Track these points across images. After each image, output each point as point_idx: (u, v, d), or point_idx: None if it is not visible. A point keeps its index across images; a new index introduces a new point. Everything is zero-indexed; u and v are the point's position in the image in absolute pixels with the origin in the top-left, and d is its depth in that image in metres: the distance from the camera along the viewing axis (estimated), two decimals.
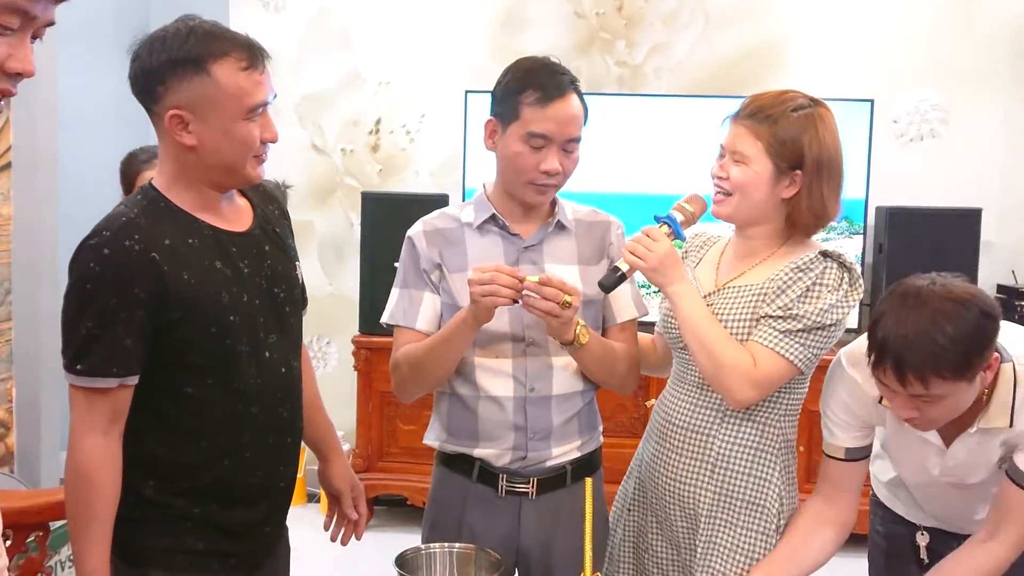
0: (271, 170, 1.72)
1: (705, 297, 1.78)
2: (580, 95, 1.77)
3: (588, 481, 1.56)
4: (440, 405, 1.87)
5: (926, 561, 1.88)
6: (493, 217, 1.82)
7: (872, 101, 3.84)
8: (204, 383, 1.56)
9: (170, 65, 1.48)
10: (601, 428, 1.91)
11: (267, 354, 1.61)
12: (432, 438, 1.89)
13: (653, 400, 3.82)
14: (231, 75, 1.48)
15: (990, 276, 3.96)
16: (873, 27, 4.06)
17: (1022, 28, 4.01)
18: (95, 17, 4.23)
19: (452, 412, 1.84)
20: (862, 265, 3.86)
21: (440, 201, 3.86)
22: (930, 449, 1.72)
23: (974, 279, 3.74)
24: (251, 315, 1.59)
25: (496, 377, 1.78)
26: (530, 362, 1.78)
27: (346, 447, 4.06)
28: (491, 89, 1.84)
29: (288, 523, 1.80)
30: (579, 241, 1.85)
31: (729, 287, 1.78)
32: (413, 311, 1.82)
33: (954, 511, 1.86)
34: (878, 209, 3.88)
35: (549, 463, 1.79)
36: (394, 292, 1.88)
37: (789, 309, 1.68)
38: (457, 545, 1.55)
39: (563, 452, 1.81)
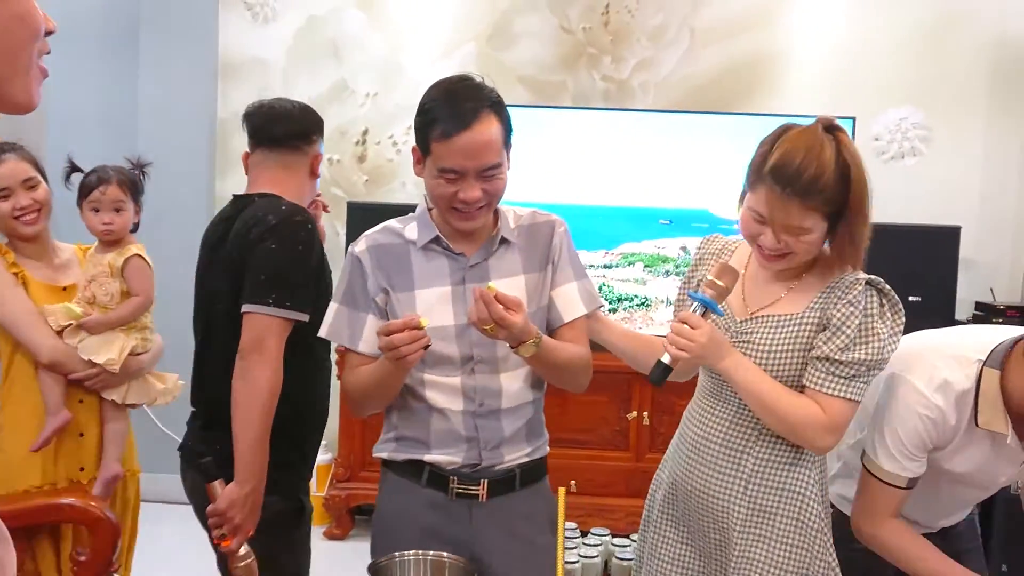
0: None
1: (740, 323, 1.78)
2: (498, 114, 1.72)
3: (562, 491, 1.57)
4: (390, 416, 1.86)
5: None
6: (436, 238, 1.81)
7: (854, 119, 3.88)
8: (305, 355, 2.02)
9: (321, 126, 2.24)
10: (547, 437, 1.91)
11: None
12: (382, 451, 1.86)
13: (635, 413, 3.86)
14: None
15: (969, 294, 4.01)
16: (855, 45, 4.12)
17: (1002, 48, 4.07)
18: (82, 19, 4.24)
19: (402, 423, 1.83)
20: None
21: None
22: (1003, 457, 1.78)
23: (953, 296, 3.79)
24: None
25: (446, 392, 1.78)
26: (479, 379, 1.77)
27: (328, 456, 4.07)
28: None
29: None
30: (523, 251, 1.83)
31: (763, 316, 1.77)
32: (357, 333, 1.79)
33: (942, 510, 1.95)
34: None
35: (499, 467, 1.80)
36: (334, 306, 1.83)
37: (847, 351, 1.68)
38: (431, 553, 1.56)
39: (513, 457, 1.81)
